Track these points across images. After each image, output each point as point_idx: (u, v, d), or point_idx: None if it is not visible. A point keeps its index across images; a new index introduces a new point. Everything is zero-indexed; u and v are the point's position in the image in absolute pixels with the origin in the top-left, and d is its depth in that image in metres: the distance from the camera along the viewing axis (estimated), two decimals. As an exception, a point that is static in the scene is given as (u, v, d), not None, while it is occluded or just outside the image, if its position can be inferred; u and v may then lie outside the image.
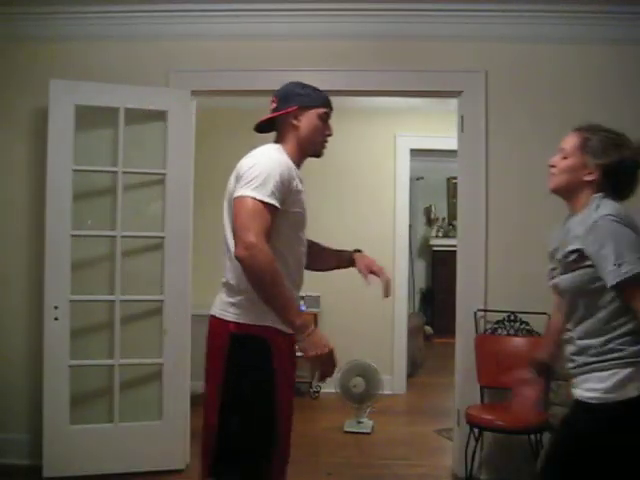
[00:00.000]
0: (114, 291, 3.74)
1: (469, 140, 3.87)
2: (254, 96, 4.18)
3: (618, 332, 1.91)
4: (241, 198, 2.04)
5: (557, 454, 2.01)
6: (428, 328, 7.97)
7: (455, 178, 4.49)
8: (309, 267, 2.39)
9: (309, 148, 2.28)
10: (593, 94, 3.80)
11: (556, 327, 2.25)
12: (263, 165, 2.09)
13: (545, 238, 3.83)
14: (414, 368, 6.50)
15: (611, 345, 1.91)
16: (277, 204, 2.06)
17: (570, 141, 2.12)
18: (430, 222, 9.38)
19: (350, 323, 5.41)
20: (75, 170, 3.70)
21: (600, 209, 1.92)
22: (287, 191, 2.11)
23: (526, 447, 3.51)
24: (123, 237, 3.76)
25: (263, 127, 2.34)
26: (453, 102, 3.99)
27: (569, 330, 2.06)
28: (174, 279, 3.81)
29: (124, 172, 3.77)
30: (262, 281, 2.00)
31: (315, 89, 2.32)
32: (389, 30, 3.86)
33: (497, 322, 3.76)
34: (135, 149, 3.81)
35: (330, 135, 2.32)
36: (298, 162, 2.27)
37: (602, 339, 1.92)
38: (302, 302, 5.69)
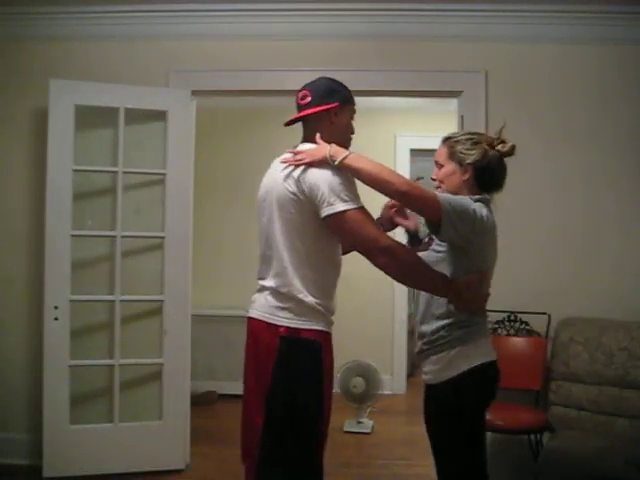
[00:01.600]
0: (114, 291, 3.74)
1: (469, 140, 3.86)
2: (254, 96, 4.20)
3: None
4: (340, 216, 2.03)
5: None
6: (428, 328, 7.96)
7: (455, 178, 4.48)
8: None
9: (340, 146, 2.22)
10: (593, 94, 3.80)
11: None
12: (331, 175, 2.07)
13: (544, 238, 3.85)
14: (414, 368, 6.50)
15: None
16: (361, 203, 2.09)
17: (441, 153, 2.34)
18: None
19: (350, 323, 5.40)
20: (75, 170, 3.70)
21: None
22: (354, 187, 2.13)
23: (526, 447, 3.51)
24: (123, 237, 3.76)
25: (292, 121, 2.30)
26: (453, 102, 3.99)
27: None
28: (174, 279, 3.81)
29: (124, 172, 3.77)
30: (412, 274, 2.12)
31: (346, 86, 2.30)
32: (389, 30, 3.86)
33: (497, 322, 3.76)
34: (135, 149, 3.81)
35: (354, 134, 2.32)
36: None
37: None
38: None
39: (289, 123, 2.30)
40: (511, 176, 3.81)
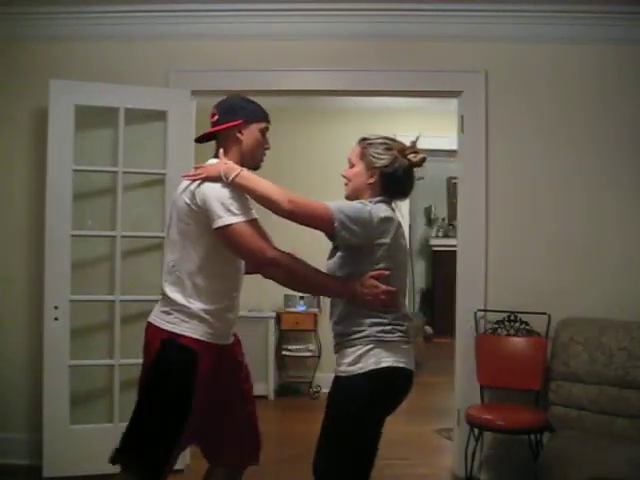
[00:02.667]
0: (114, 291, 3.74)
1: (469, 140, 3.87)
2: (254, 96, 4.18)
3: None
4: (228, 228, 2.13)
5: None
6: (428, 328, 7.97)
7: (455, 178, 4.49)
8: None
9: (250, 161, 2.32)
10: (593, 94, 3.81)
11: None
12: (222, 189, 2.16)
13: (544, 238, 3.85)
14: (414, 368, 6.50)
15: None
16: (253, 215, 2.21)
17: (354, 152, 2.36)
18: (430, 222, 9.38)
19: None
20: (75, 170, 3.70)
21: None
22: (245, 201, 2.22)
23: (526, 447, 3.51)
24: (123, 237, 3.76)
25: (203, 139, 2.41)
26: (453, 102, 3.99)
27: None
28: (174, 279, 3.80)
29: (124, 172, 3.77)
30: (301, 281, 2.23)
31: (256, 103, 2.38)
32: (389, 30, 3.86)
33: (497, 322, 3.76)
34: (135, 149, 3.81)
35: (268, 149, 2.38)
36: None
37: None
38: (302, 302, 5.71)
39: (198, 140, 2.43)
40: (511, 176, 3.85)
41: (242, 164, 2.29)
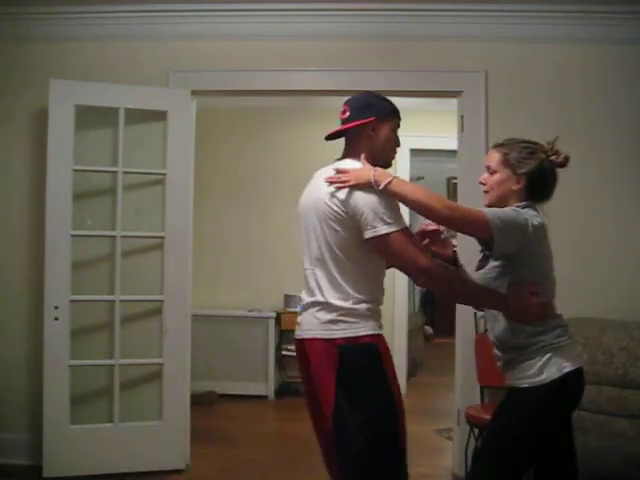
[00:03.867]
0: (114, 291, 3.74)
1: (469, 140, 3.87)
2: (254, 96, 4.20)
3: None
4: (382, 238, 2.06)
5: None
6: (428, 328, 7.97)
7: (455, 178, 4.49)
8: None
9: (381, 159, 2.24)
10: (593, 94, 3.80)
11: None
12: (375, 198, 2.08)
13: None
14: (414, 368, 6.50)
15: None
16: (405, 224, 2.12)
17: (494, 158, 2.30)
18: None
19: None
20: (75, 170, 3.70)
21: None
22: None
23: (526, 447, 3.51)
24: (123, 237, 3.76)
25: (332, 135, 2.32)
26: (453, 102, 3.99)
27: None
28: (174, 279, 3.81)
29: (124, 172, 3.77)
30: (453, 292, 2.19)
31: (389, 100, 2.30)
32: (390, 30, 3.85)
33: (497, 322, 3.75)
34: (135, 149, 3.81)
35: (399, 146, 2.31)
36: None
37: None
38: (302, 302, 5.71)
39: (329, 137, 2.33)
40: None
41: (374, 162, 2.22)
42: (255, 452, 4.05)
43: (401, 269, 2.18)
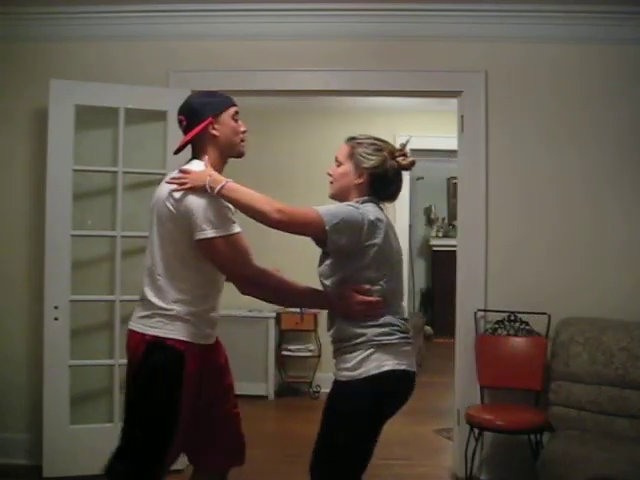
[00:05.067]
0: (114, 291, 3.74)
1: (469, 140, 3.87)
2: (254, 96, 4.19)
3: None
4: (208, 241, 2.13)
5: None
6: (428, 328, 7.97)
7: (455, 178, 4.49)
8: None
9: (231, 151, 2.29)
10: (593, 94, 3.80)
11: None
12: (206, 201, 2.13)
13: (545, 238, 3.85)
14: (415, 369, 6.49)
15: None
16: (235, 229, 2.16)
17: (342, 151, 2.32)
18: (430, 222, 9.38)
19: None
20: (75, 170, 3.70)
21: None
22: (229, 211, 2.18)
23: (526, 447, 3.51)
24: (123, 237, 3.76)
25: (180, 149, 2.35)
26: (453, 102, 3.99)
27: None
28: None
29: (124, 172, 3.77)
30: (279, 297, 2.39)
31: (217, 92, 2.33)
32: (389, 30, 3.85)
33: (497, 322, 3.76)
34: (135, 149, 3.81)
35: (245, 131, 2.32)
36: (221, 169, 2.29)
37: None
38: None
39: (177, 152, 2.36)
40: (511, 176, 3.84)
41: (224, 157, 2.27)
42: (255, 452, 4.02)
43: (224, 273, 2.25)
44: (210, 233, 2.11)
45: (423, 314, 8.42)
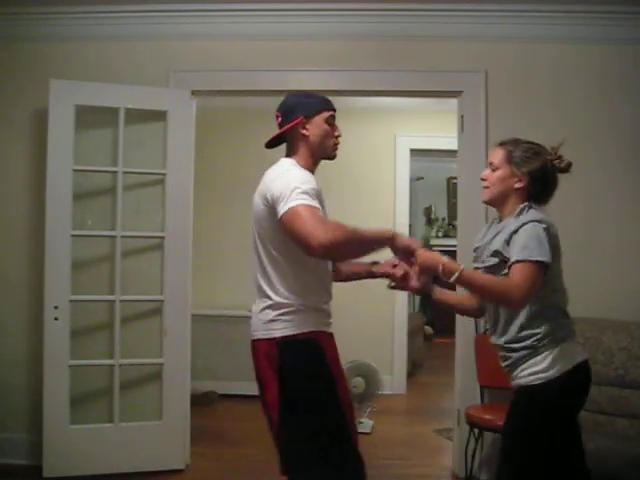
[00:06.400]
0: (114, 291, 3.74)
1: (469, 140, 3.87)
2: (254, 96, 4.20)
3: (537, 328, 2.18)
4: (288, 211, 2.04)
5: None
6: (428, 328, 7.97)
7: (455, 178, 4.49)
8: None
9: (322, 153, 2.32)
10: (593, 94, 3.80)
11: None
12: (293, 179, 2.11)
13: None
14: (414, 368, 6.50)
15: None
16: (315, 203, 2.08)
17: (497, 155, 2.30)
18: (430, 222, 9.38)
19: (350, 323, 5.41)
20: (75, 170, 3.70)
21: (523, 217, 2.18)
22: (319, 199, 2.14)
23: (526, 447, 3.51)
24: (123, 237, 3.76)
25: (273, 143, 2.39)
26: (453, 102, 3.99)
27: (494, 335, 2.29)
28: (174, 279, 3.81)
29: (124, 172, 3.77)
30: (349, 252, 2.13)
31: (316, 95, 2.36)
32: (389, 30, 3.85)
33: (497, 322, 3.75)
34: (135, 149, 3.81)
35: (339, 136, 2.36)
36: (313, 169, 2.31)
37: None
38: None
39: (268, 144, 2.40)
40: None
41: (315, 158, 2.30)
42: (255, 452, 4.03)
43: (299, 243, 2.07)
44: (288, 205, 2.05)
45: (423, 314, 8.43)
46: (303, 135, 2.28)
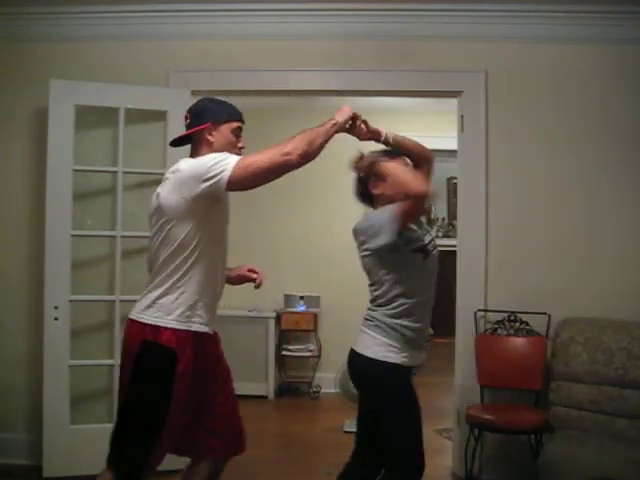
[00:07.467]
0: (114, 291, 3.74)
1: (469, 140, 3.87)
2: (254, 96, 4.19)
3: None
4: (236, 165, 2.13)
5: None
6: (428, 328, 7.96)
7: (455, 178, 4.49)
8: None
9: None
10: (593, 94, 3.81)
11: None
12: (206, 158, 2.20)
13: (544, 238, 3.85)
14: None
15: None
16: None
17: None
18: (430, 222, 9.38)
19: (350, 323, 5.39)
20: (75, 170, 3.70)
21: None
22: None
23: (526, 447, 3.51)
24: (123, 237, 3.76)
25: (178, 142, 2.46)
26: (453, 102, 3.99)
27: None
28: (174, 279, 3.80)
29: (124, 172, 3.77)
30: (316, 150, 2.20)
31: (227, 104, 2.41)
32: (389, 30, 3.86)
33: (497, 322, 3.76)
34: (135, 149, 3.81)
35: (242, 148, 2.40)
36: None
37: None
38: (302, 302, 5.71)
39: (172, 143, 2.48)
40: (511, 176, 3.85)
41: None
42: (255, 452, 4.03)
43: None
44: (223, 174, 2.17)
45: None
46: (208, 140, 2.33)
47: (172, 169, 2.30)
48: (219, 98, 2.46)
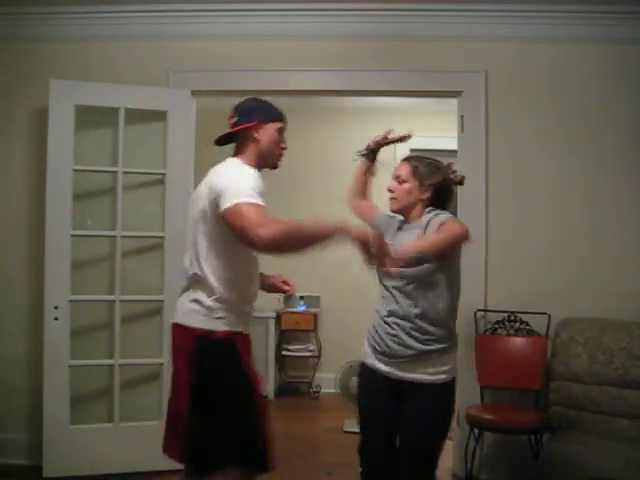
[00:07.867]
0: (114, 291, 3.74)
1: (469, 140, 3.87)
2: (253, 96, 4.19)
3: None
4: (233, 207, 2.11)
5: None
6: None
7: (455, 178, 4.48)
8: None
9: (268, 160, 2.41)
10: (593, 94, 3.81)
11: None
12: (240, 176, 2.20)
13: (545, 238, 3.85)
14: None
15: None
16: (260, 201, 2.13)
17: (403, 169, 2.61)
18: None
19: (350, 323, 5.40)
20: (75, 170, 3.71)
21: (440, 216, 2.48)
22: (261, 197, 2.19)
23: (526, 447, 3.51)
24: (123, 237, 3.76)
25: (222, 141, 2.46)
26: (453, 102, 3.99)
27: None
28: (174, 279, 3.80)
29: (124, 172, 3.77)
30: (293, 246, 2.17)
31: (273, 105, 2.44)
32: (389, 30, 3.86)
33: (497, 322, 3.76)
34: (135, 149, 3.81)
35: (285, 148, 2.43)
36: None
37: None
38: (302, 302, 5.71)
39: (218, 142, 2.47)
40: (511, 176, 3.85)
41: (260, 163, 2.36)
42: (255, 452, 4.04)
43: (241, 239, 2.15)
44: (230, 202, 2.12)
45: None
46: (255, 138, 2.35)
47: (214, 171, 2.32)
48: (264, 98, 2.48)
